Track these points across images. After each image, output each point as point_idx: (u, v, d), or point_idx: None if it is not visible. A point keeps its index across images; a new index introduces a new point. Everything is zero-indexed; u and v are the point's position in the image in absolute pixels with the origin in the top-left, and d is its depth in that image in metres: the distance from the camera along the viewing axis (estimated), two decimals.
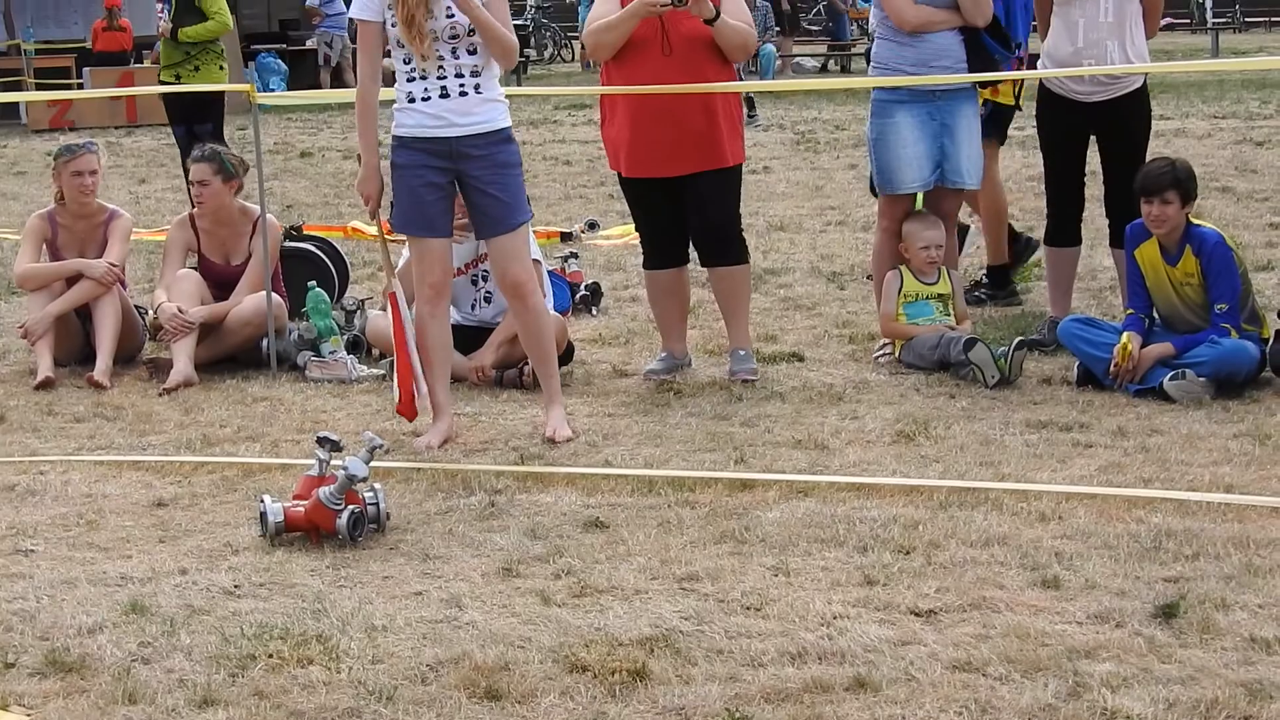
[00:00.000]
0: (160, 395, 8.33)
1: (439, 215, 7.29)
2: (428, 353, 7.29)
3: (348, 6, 30.32)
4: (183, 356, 8.58)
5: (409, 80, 7.19)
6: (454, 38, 7.08)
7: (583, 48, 37.59)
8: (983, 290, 10.19)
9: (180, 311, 8.70)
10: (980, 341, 8.18)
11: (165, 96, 14.14)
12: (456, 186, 7.28)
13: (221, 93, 13.94)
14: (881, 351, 8.70)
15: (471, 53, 7.13)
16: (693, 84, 8.03)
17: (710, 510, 6.26)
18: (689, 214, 8.28)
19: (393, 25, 7.14)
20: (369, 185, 7.38)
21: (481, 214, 7.31)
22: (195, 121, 13.59)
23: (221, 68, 13.89)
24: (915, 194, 8.85)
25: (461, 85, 7.14)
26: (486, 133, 7.18)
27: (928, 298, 8.69)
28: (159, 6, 14.41)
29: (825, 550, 5.80)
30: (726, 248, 8.34)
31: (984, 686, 4.65)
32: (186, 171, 13.97)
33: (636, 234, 11.00)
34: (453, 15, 7.07)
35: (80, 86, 25.42)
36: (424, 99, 7.16)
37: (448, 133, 7.16)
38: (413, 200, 7.25)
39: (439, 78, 7.13)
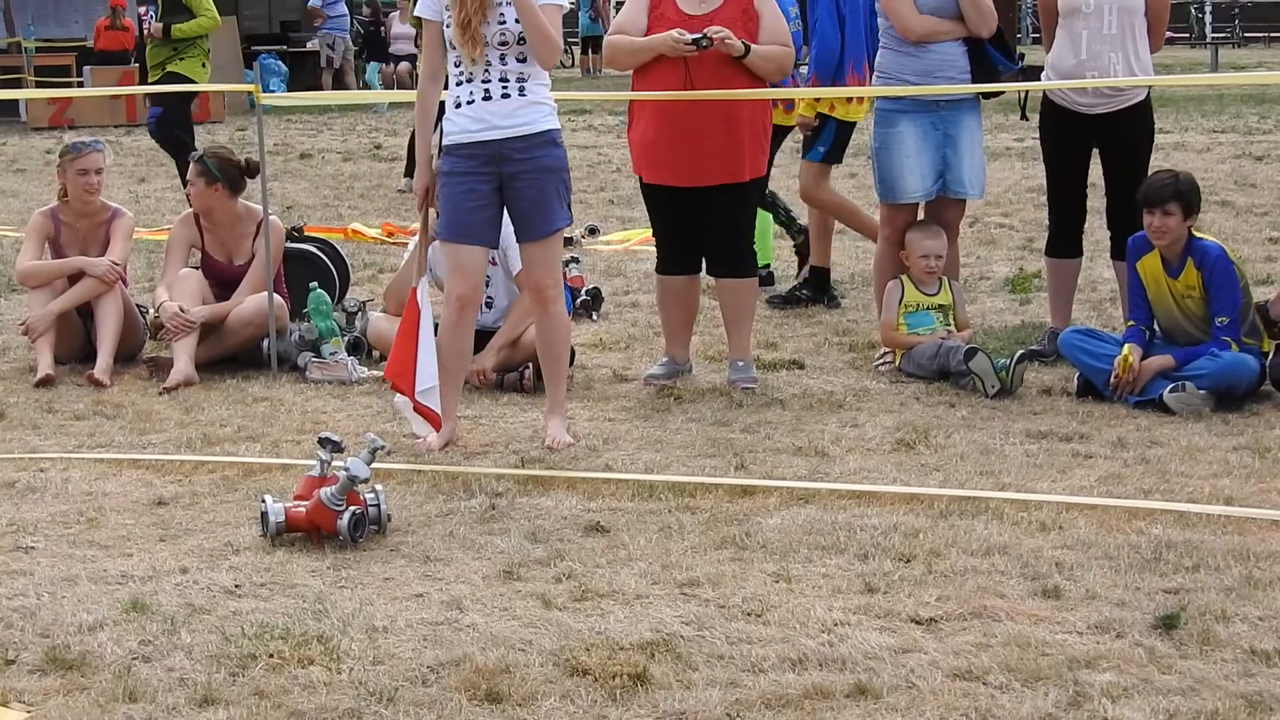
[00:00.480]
0: (160, 394, 8.33)
1: (479, 224, 7.26)
2: (443, 360, 7.27)
3: (350, 9, 30.47)
4: (183, 356, 8.59)
5: (457, 84, 7.21)
6: (503, 44, 7.09)
7: (582, 53, 37.68)
8: (803, 291, 10.49)
9: (181, 310, 8.71)
10: (980, 351, 8.19)
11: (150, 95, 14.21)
12: (501, 193, 7.26)
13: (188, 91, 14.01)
14: (882, 360, 8.71)
15: (520, 60, 7.13)
16: (705, 91, 8.00)
17: (711, 516, 6.26)
18: (703, 224, 8.27)
19: (447, 26, 7.16)
20: (419, 181, 7.43)
21: (514, 217, 7.32)
22: (155, 103, 13.71)
23: (204, 65, 13.92)
24: (917, 203, 8.86)
25: (505, 88, 7.13)
26: (528, 135, 7.15)
27: (928, 308, 8.70)
28: (143, 10, 14.37)
29: (826, 557, 5.80)
30: (736, 261, 8.35)
31: (984, 695, 4.66)
32: (183, 171, 14.01)
33: (632, 239, 11.05)
34: (504, 22, 7.08)
35: (80, 85, 25.42)
36: (468, 102, 7.17)
37: (489, 135, 7.15)
38: (452, 207, 7.24)
39: (484, 81, 7.13)
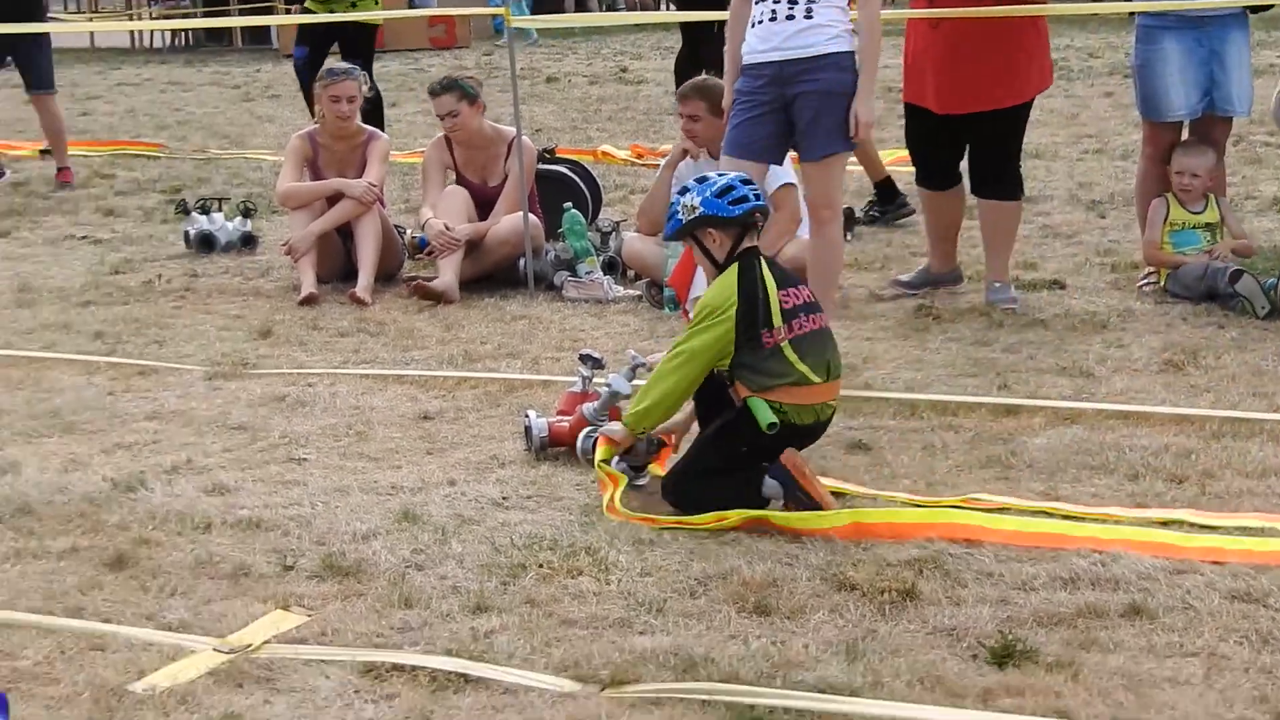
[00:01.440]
0: (413, 293, 8.58)
1: (755, 140, 7.26)
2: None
3: None
4: (449, 271, 8.73)
5: (757, 2, 7.23)
6: None
7: None
8: (875, 209, 10.47)
9: (447, 228, 8.83)
10: (1247, 272, 7.96)
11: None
12: (788, 112, 7.25)
13: (374, 32, 13.49)
14: (1146, 280, 8.51)
15: None
16: (950, 9, 7.86)
17: (975, 435, 6.18)
18: (969, 145, 8.15)
19: None
20: (726, 99, 7.48)
21: (799, 136, 7.30)
22: (348, 54, 12.46)
23: (377, 1, 13.56)
24: (1181, 122, 8.61)
25: (791, 9, 7.13)
26: (811, 58, 7.13)
27: (1194, 226, 8.47)
28: None
29: (1095, 477, 5.70)
30: (1001, 180, 8.22)
31: (1264, 618, 4.53)
32: (307, 94, 13.44)
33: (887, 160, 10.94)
34: None
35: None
36: (759, 22, 7.20)
37: (773, 57, 7.17)
38: (735, 123, 7.30)
39: (774, 2, 7.15)
